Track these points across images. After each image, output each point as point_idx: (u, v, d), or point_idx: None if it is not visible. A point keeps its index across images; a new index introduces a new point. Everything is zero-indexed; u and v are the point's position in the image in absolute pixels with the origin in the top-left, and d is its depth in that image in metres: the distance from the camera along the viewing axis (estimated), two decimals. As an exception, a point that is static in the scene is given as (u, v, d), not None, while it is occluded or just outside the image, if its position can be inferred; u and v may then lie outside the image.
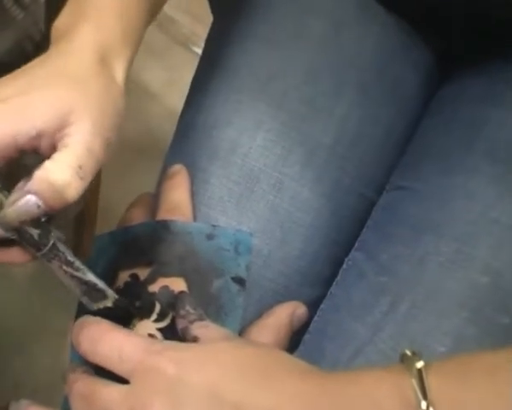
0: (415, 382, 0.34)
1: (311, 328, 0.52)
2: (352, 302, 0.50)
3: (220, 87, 0.56)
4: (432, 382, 0.33)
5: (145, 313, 0.46)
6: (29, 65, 0.42)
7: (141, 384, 0.38)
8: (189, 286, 0.47)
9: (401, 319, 0.47)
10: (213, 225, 0.49)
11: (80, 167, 0.39)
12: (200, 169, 0.53)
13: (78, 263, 0.43)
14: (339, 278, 0.54)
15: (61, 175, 0.38)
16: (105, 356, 0.40)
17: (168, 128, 0.65)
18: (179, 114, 0.60)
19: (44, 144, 0.39)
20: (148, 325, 0.45)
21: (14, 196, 0.39)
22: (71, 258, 0.42)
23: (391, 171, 0.58)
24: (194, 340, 0.43)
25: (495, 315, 0.45)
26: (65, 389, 0.44)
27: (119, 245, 0.49)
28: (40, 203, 0.38)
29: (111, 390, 0.39)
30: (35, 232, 0.40)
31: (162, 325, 0.45)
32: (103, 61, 0.42)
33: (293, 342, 0.50)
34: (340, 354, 0.48)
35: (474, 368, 0.35)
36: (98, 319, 0.43)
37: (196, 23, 1.37)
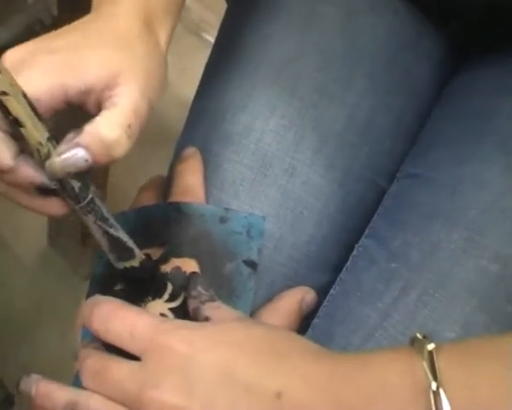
0: (425, 364, 0.34)
1: (320, 313, 0.52)
2: (363, 288, 0.50)
3: (234, 72, 0.56)
4: (442, 364, 0.34)
5: (157, 292, 0.46)
6: (78, 22, 0.43)
7: (152, 362, 0.38)
8: (201, 268, 0.47)
9: (411, 305, 0.47)
10: (226, 209, 0.50)
11: (129, 127, 0.39)
12: (213, 153, 0.53)
13: (112, 220, 0.43)
14: (349, 264, 0.54)
15: (111, 132, 0.39)
16: (117, 334, 0.40)
17: (179, 116, 0.65)
18: (190, 101, 0.60)
19: (91, 101, 0.40)
20: (160, 305, 0.46)
21: (62, 147, 0.39)
22: (106, 214, 0.43)
23: (402, 159, 0.58)
24: (206, 320, 0.43)
25: (504, 303, 0.46)
26: (75, 366, 0.44)
27: (131, 226, 0.50)
28: (88, 157, 0.38)
29: (122, 367, 0.39)
30: (76, 185, 0.40)
31: (174, 305, 0.46)
32: (148, 26, 0.43)
33: (302, 326, 0.50)
34: (351, 338, 0.48)
35: (485, 352, 0.35)
36: (110, 298, 0.43)
37: (207, 11, 1.37)
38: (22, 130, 0.37)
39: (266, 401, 0.35)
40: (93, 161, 0.39)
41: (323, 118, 0.54)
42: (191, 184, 0.51)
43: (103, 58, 0.40)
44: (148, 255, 0.47)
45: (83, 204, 0.41)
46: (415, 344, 0.36)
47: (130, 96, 0.40)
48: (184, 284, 0.46)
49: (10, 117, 0.37)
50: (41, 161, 0.39)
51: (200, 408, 0.36)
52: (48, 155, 0.38)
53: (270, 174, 0.52)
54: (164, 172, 0.57)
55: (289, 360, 0.37)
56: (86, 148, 0.38)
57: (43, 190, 0.41)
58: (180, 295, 0.46)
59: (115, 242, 0.44)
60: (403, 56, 0.59)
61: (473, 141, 0.53)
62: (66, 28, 0.43)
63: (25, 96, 0.37)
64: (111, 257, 0.45)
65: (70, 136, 0.40)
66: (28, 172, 0.40)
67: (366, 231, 0.55)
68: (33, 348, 1.09)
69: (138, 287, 0.46)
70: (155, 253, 0.48)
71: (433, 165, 0.54)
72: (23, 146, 0.40)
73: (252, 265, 0.47)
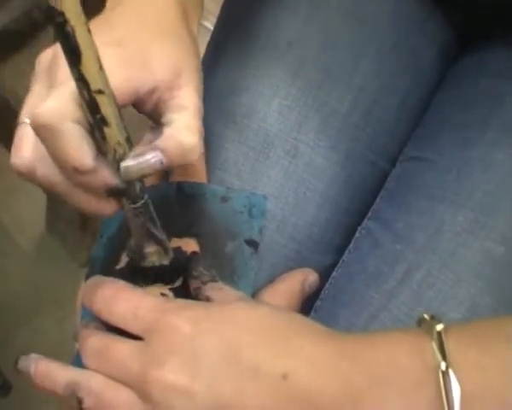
0: (434, 344, 0.33)
1: (322, 295, 0.52)
2: (367, 270, 0.50)
3: (237, 53, 0.55)
4: (451, 345, 0.33)
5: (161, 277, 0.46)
6: (120, 12, 0.41)
7: (156, 341, 0.37)
8: (202, 248, 0.46)
9: (416, 286, 0.46)
10: (227, 188, 0.49)
11: (200, 130, 0.39)
12: (216, 134, 0.52)
13: (158, 222, 0.42)
14: (352, 246, 0.53)
15: (190, 137, 0.38)
16: (120, 315, 0.40)
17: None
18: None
19: (152, 101, 0.39)
20: (161, 285, 0.45)
21: (139, 148, 0.38)
22: (154, 215, 0.42)
23: (405, 142, 0.58)
24: (207, 300, 0.42)
25: (510, 285, 0.45)
26: (75, 346, 0.43)
27: None
28: (164, 160, 0.37)
29: (125, 346, 0.39)
30: (138, 185, 0.39)
31: (175, 285, 0.45)
32: (185, 16, 0.43)
33: (304, 309, 0.50)
34: (355, 319, 0.47)
35: (494, 334, 0.35)
36: (112, 278, 0.43)
37: (208, -1, 1.36)
38: (106, 129, 0.35)
39: (273, 383, 0.35)
40: (169, 164, 0.38)
41: (327, 99, 0.53)
42: (193, 164, 0.51)
43: (168, 56, 0.39)
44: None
45: (139, 204, 0.40)
46: (422, 325, 0.35)
47: (195, 98, 0.39)
48: (185, 265, 0.45)
49: (98, 115, 0.35)
50: (115, 161, 0.37)
51: (205, 389, 0.35)
52: (123, 156, 0.37)
53: (273, 155, 0.51)
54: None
55: (295, 340, 0.36)
56: (164, 151, 0.37)
57: (111, 192, 0.39)
58: (181, 275, 0.45)
59: (154, 240, 0.43)
60: (408, 40, 0.58)
61: (479, 124, 0.52)
62: (113, 15, 0.41)
63: (113, 95, 0.35)
64: (138, 255, 0.44)
65: (148, 137, 0.39)
66: (106, 173, 0.38)
67: (369, 214, 0.55)
68: (32, 334, 1.09)
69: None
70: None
71: (438, 148, 0.54)
72: (97, 147, 0.38)
73: (253, 244, 0.47)
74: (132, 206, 0.40)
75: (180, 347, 0.36)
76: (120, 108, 0.37)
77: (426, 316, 0.35)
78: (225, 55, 0.56)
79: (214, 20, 0.62)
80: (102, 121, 0.35)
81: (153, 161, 0.37)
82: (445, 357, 0.32)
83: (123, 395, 0.38)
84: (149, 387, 0.36)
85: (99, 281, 0.43)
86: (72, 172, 0.37)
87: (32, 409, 1.02)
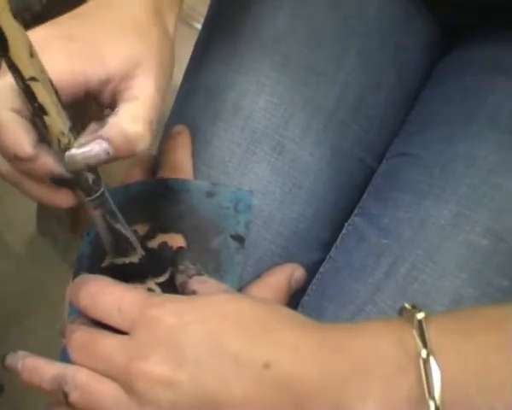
0: (415, 332, 0.33)
1: (309, 290, 0.52)
2: (353, 265, 0.50)
3: (223, 50, 0.55)
4: (432, 332, 0.33)
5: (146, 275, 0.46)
6: (89, 7, 0.42)
7: (141, 335, 0.38)
8: (188, 243, 0.47)
9: (401, 279, 0.47)
10: (213, 183, 0.49)
11: (151, 122, 0.39)
12: (202, 130, 0.53)
13: (119, 215, 0.43)
14: (338, 242, 0.54)
15: (134, 126, 0.38)
16: (105, 310, 0.40)
17: (169, 103, 0.65)
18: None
19: (107, 91, 0.40)
20: (147, 280, 0.45)
21: (84, 138, 0.38)
22: (114, 209, 0.42)
23: (391, 139, 0.58)
24: (193, 294, 0.43)
25: (494, 277, 0.45)
26: (63, 341, 0.43)
27: (119, 202, 0.49)
28: (110, 150, 0.37)
29: (110, 340, 0.39)
30: (90, 177, 0.39)
31: (161, 279, 0.45)
32: (158, 13, 0.43)
33: (291, 304, 0.50)
34: (340, 313, 0.48)
35: (475, 321, 0.35)
36: (97, 275, 0.43)
37: (198, 0, 1.36)
38: (46, 118, 0.36)
39: (254, 372, 0.35)
40: (115, 154, 0.38)
41: (313, 96, 0.54)
42: (179, 160, 0.51)
43: (124, 48, 0.39)
44: (134, 231, 0.47)
45: (94, 197, 0.40)
46: (404, 314, 0.36)
47: (149, 89, 0.39)
48: (171, 259, 0.45)
49: (35, 104, 0.35)
50: (60, 151, 0.37)
51: (189, 379, 0.35)
52: (68, 146, 0.37)
53: (259, 152, 0.52)
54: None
55: (278, 331, 0.37)
56: (109, 141, 0.37)
57: (57, 181, 0.40)
58: (167, 270, 0.45)
59: (119, 237, 0.43)
60: (393, 36, 0.58)
61: (464, 119, 0.53)
62: (79, 13, 0.41)
63: (51, 83, 0.36)
64: (111, 253, 0.44)
65: (92, 127, 0.39)
66: (47, 161, 0.38)
67: (356, 210, 0.55)
68: (22, 335, 1.09)
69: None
70: (142, 229, 0.48)
71: (424, 144, 0.54)
72: (41, 135, 0.38)
73: (239, 239, 0.47)
74: (87, 198, 0.40)
75: (164, 339, 0.37)
76: (73, 99, 0.38)
77: (407, 305, 0.36)
78: (211, 52, 0.56)
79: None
80: (41, 110, 0.35)
81: (98, 150, 0.37)
82: (425, 345, 0.33)
83: (108, 389, 0.38)
84: (134, 379, 0.36)
85: (84, 278, 0.43)
86: (13, 160, 0.38)
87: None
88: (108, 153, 0.37)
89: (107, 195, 0.41)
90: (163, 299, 0.40)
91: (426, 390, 0.32)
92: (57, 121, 0.36)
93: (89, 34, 0.40)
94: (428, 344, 0.33)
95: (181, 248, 0.46)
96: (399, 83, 0.59)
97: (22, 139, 0.37)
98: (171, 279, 0.45)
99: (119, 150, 0.38)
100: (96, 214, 0.41)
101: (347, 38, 0.56)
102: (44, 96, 0.35)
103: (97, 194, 0.40)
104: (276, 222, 0.51)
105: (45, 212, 1.14)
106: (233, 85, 0.53)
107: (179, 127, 0.53)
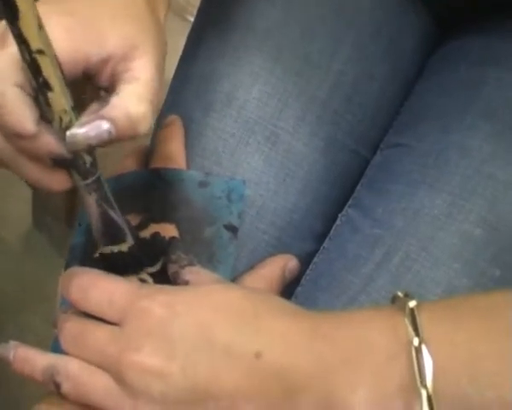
0: (407, 320, 0.33)
1: (303, 281, 0.52)
2: (346, 255, 0.50)
3: (217, 41, 0.55)
4: (424, 320, 0.33)
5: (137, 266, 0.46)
6: None
7: (132, 326, 0.37)
8: (180, 233, 0.46)
9: (395, 269, 0.47)
10: (206, 173, 0.49)
11: (152, 101, 0.38)
12: (195, 121, 0.52)
13: (113, 201, 0.42)
14: (332, 233, 0.53)
15: (138, 106, 0.37)
16: (96, 303, 0.40)
17: (163, 97, 0.65)
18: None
19: (106, 71, 0.39)
20: (140, 271, 0.45)
21: (86, 117, 0.37)
22: (109, 194, 0.42)
23: (385, 131, 0.58)
24: (186, 284, 0.42)
25: (487, 267, 0.45)
26: (55, 332, 0.43)
27: (111, 192, 0.49)
28: (112, 130, 0.37)
29: (101, 331, 0.39)
30: (88, 160, 0.39)
31: (153, 270, 0.45)
32: (150, 6, 0.42)
33: (285, 295, 0.50)
34: (334, 303, 0.48)
35: (467, 309, 0.35)
36: (87, 268, 0.43)
37: (192, -7, 1.36)
38: (49, 94, 0.35)
39: (245, 362, 0.35)
40: (117, 134, 0.37)
41: (307, 86, 0.53)
42: (172, 150, 0.51)
43: (123, 29, 0.39)
44: (127, 221, 0.46)
45: (90, 181, 0.40)
46: (396, 302, 0.36)
47: (150, 71, 0.39)
48: (163, 249, 0.45)
49: (40, 79, 0.34)
50: (61, 130, 0.36)
51: (180, 370, 0.35)
52: (69, 125, 0.36)
53: (253, 142, 0.51)
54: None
55: (268, 320, 0.37)
56: (112, 121, 0.37)
57: (55, 162, 0.39)
58: (159, 260, 0.45)
59: (111, 224, 0.43)
60: (388, 27, 0.58)
61: (458, 110, 0.53)
62: None
63: (56, 58, 0.35)
64: (101, 241, 0.44)
65: (94, 107, 0.38)
66: (49, 140, 0.37)
67: (350, 201, 0.55)
68: (18, 329, 1.09)
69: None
70: (135, 219, 0.47)
71: (418, 135, 0.54)
72: (42, 112, 0.37)
73: (232, 229, 0.47)
74: (83, 182, 0.40)
75: (154, 330, 0.37)
76: (72, 78, 0.37)
77: (399, 293, 0.35)
78: (205, 43, 0.56)
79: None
80: (45, 85, 0.34)
81: (100, 129, 0.36)
82: (417, 333, 0.33)
83: (100, 379, 0.38)
84: (125, 370, 0.36)
85: (74, 271, 0.43)
86: (14, 137, 0.37)
87: (20, 408, 1.02)
88: (110, 133, 0.37)
89: (102, 180, 0.40)
90: (153, 290, 0.40)
91: (418, 379, 0.32)
92: (61, 98, 0.35)
93: (89, 11, 0.39)
94: (420, 332, 0.33)
95: (174, 238, 0.46)
96: (393, 74, 0.59)
97: (25, 116, 0.36)
98: (164, 270, 0.45)
99: (122, 131, 0.37)
100: (91, 200, 0.41)
101: (341, 29, 0.56)
102: (50, 71, 0.34)
103: (94, 178, 0.40)
104: (270, 212, 0.51)
105: (41, 207, 1.14)
106: (226, 76, 0.53)
107: (172, 118, 0.53)
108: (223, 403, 0.35)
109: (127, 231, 0.44)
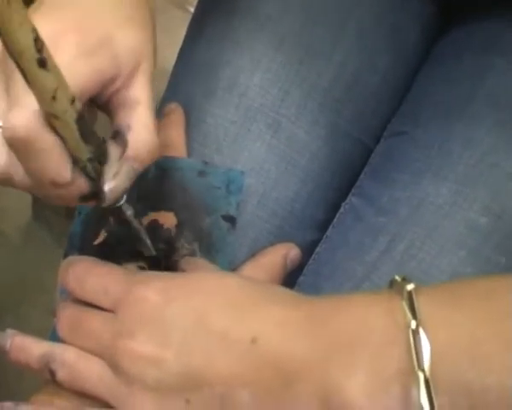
0: (405, 303, 0.33)
1: (305, 270, 0.51)
2: (350, 244, 0.49)
3: (218, 27, 0.54)
4: (422, 304, 0.32)
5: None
6: None
7: (127, 312, 0.37)
8: (179, 221, 0.46)
9: (399, 257, 0.46)
10: (205, 162, 0.48)
11: (155, 124, 0.39)
12: (196, 108, 0.52)
13: (134, 222, 0.42)
14: (335, 221, 0.53)
15: (150, 136, 0.38)
16: (91, 291, 0.40)
17: (163, 88, 0.64)
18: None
19: (110, 90, 0.38)
20: (138, 258, 0.45)
21: (113, 168, 0.37)
22: (131, 219, 0.42)
23: (387, 119, 0.58)
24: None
25: (492, 255, 0.45)
26: (54, 321, 0.43)
27: None
28: (140, 168, 0.38)
29: (96, 318, 0.39)
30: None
31: (151, 257, 0.45)
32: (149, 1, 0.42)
33: (287, 284, 0.49)
34: (338, 291, 0.47)
35: (467, 293, 0.34)
36: (85, 256, 0.43)
37: (193, -16, 1.36)
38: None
39: (241, 347, 0.34)
40: (142, 168, 0.38)
41: (309, 74, 0.53)
42: (172, 138, 0.50)
43: (131, 39, 0.37)
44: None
45: (112, 208, 0.40)
46: (394, 286, 0.35)
47: (147, 89, 0.38)
48: (161, 237, 0.45)
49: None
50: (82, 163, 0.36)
51: (175, 357, 0.35)
52: (98, 176, 0.36)
53: (254, 129, 0.51)
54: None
55: (264, 306, 0.36)
56: (134, 159, 0.37)
57: (83, 198, 0.38)
58: (158, 247, 0.45)
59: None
60: (390, 16, 0.57)
61: (462, 99, 0.52)
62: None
63: (73, 101, 0.33)
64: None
65: (115, 151, 0.38)
66: (81, 182, 0.36)
67: (353, 190, 0.55)
68: (18, 321, 1.08)
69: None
70: (133, 206, 0.47)
71: (421, 123, 0.53)
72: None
73: (230, 220, 0.47)
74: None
75: (149, 316, 0.36)
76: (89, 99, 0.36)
77: (397, 277, 0.35)
78: (206, 30, 0.55)
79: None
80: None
81: (131, 174, 0.37)
82: (415, 316, 0.32)
83: (95, 366, 0.38)
84: (120, 357, 0.36)
85: (71, 261, 0.42)
86: (48, 185, 0.35)
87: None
88: (138, 170, 0.38)
89: (125, 207, 0.41)
90: (148, 277, 0.39)
91: (415, 363, 0.31)
92: (75, 152, 0.35)
93: (95, 21, 0.37)
94: (418, 315, 0.32)
95: (176, 226, 0.46)
96: (396, 63, 0.58)
97: (65, 165, 0.35)
98: (162, 257, 0.44)
99: (146, 163, 0.38)
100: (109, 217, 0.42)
101: (343, 17, 0.55)
102: (64, 133, 0.33)
103: (116, 205, 0.40)
104: (271, 201, 0.50)
105: (40, 199, 1.14)
106: (228, 63, 0.52)
107: (173, 105, 0.52)
108: (218, 389, 0.34)
109: (150, 244, 0.44)
